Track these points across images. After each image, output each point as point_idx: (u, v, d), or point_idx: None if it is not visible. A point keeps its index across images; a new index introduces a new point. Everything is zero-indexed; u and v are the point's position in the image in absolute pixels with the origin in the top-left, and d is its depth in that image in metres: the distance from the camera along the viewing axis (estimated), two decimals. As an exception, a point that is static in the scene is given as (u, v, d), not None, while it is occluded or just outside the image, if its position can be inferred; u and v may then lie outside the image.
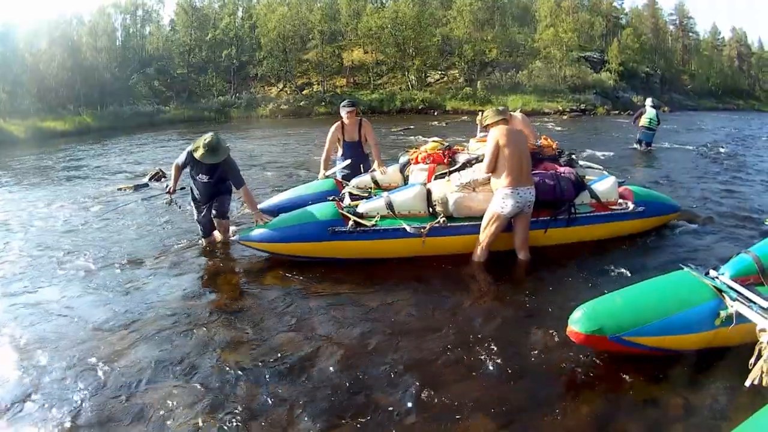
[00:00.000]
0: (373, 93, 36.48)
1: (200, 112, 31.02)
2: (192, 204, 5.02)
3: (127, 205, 6.91)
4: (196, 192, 4.90)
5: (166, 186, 4.99)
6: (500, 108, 4.76)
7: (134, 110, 28.34)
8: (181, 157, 4.77)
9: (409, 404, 2.59)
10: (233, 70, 38.04)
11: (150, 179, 9.04)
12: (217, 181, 4.77)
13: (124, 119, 26.21)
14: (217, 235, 5.07)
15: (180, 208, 5.37)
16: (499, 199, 4.34)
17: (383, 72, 39.54)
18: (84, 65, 29.64)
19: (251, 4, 44.26)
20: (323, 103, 33.73)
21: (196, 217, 5.02)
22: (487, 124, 4.60)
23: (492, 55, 39.54)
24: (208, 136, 4.55)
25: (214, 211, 4.84)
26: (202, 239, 5.08)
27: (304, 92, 37.19)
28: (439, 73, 39.75)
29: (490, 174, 4.49)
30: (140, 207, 6.87)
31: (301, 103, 34.38)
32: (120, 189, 8.28)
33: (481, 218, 4.52)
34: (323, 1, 43.46)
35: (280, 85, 38.21)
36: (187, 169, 4.80)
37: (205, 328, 3.38)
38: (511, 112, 5.77)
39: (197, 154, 4.52)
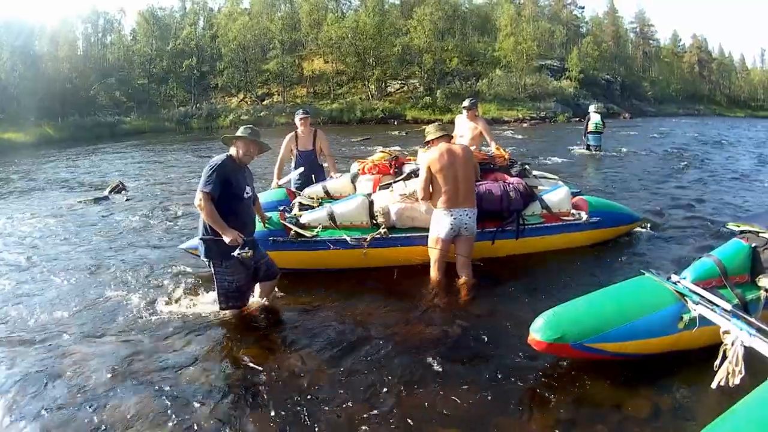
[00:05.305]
0: (333, 103, 38.82)
1: (161, 122, 32.76)
2: (228, 259, 3.51)
3: (87, 219, 7.30)
4: (239, 222, 3.55)
5: (242, 243, 3.47)
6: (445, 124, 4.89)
7: (95, 121, 30.01)
8: (217, 176, 3.39)
9: (370, 415, 2.65)
10: (194, 80, 40.20)
11: (110, 192, 9.29)
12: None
13: (85, 130, 27.61)
14: (254, 298, 3.97)
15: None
16: (436, 223, 4.41)
17: (343, 82, 42.16)
18: (45, 75, 31.29)
19: (212, 14, 46.84)
20: (283, 114, 35.44)
21: (233, 278, 3.60)
22: (428, 141, 4.58)
23: (452, 64, 42.45)
24: (241, 127, 3.75)
25: (265, 267, 3.82)
26: (229, 311, 3.74)
27: (264, 102, 39.49)
28: (399, 82, 42.34)
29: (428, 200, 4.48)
30: (100, 220, 7.19)
31: (261, 114, 36.20)
32: (80, 202, 8.48)
33: (423, 229, 4.63)
34: (284, 11, 46.21)
35: (241, 96, 40.49)
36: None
37: (161, 343, 3.46)
38: (465, 107, 6.29)
39: (249, 136, 3.60)
